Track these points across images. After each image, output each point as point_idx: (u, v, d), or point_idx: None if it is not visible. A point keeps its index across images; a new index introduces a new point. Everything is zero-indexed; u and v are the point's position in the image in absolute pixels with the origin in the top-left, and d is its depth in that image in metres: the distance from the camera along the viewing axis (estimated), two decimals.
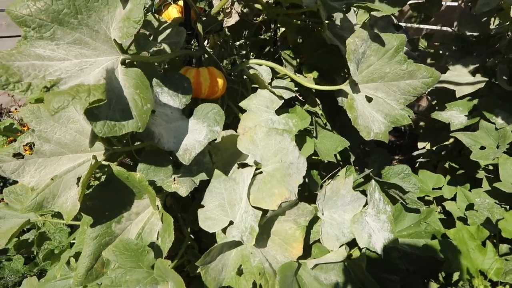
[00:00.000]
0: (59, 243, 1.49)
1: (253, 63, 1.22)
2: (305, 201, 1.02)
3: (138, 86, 0.77)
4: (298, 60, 1.44)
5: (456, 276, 1.29)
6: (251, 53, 1.47)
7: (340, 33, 1.20)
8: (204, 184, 1.00)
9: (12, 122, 1.31)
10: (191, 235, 1.18)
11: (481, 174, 2.00)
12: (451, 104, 2.05)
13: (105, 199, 0.96)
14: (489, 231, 1.40)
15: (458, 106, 2.04)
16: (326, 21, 1.14)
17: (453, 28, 2.92)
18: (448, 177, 2.08)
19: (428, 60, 2.79)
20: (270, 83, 1.25)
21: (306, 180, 1.27)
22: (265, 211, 0.95)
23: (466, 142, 1.81)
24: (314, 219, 1.06)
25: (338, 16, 1.39)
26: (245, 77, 1.30)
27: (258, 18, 1.34)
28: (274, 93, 1.22)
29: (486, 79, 1.98)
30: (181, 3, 1.27)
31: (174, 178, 0.96)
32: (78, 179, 0.93)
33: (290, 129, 1.15)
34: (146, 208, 1.02)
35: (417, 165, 2.58)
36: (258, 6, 1.26)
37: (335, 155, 1.31)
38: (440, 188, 2.04)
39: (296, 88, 1.30)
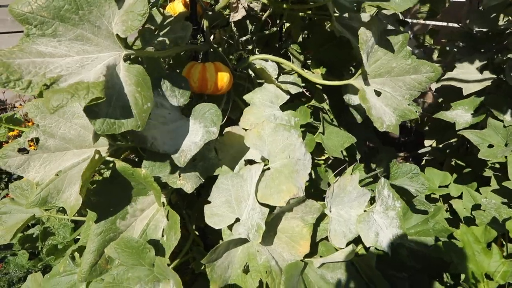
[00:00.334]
0: (63, 238, 1.48)
1: (259, 58, 1.20)
2: (312, 198, 1.01)
3: (139, 83, 0.76)
4: (303, 55, 1.42)
5: (463, 277, 1.27)
6: (257, 49, 1.45)
7: (350, 24, 1.18)
8: (209, 181, 0.99)
9: (14, 113, 1.30)
10: (196, 232, 1.18)
11: (488, 172, 1.98)
12: (456, 103, 2.02)
13: (110, 195, 0.95)
14: (497, 231, 1.38)
15: (463, 105, 2.01)
16: (336, 14, 1.12)
17: (460, 24, 2.88)
18: (455, 175, 2.06)
19: (434, 57, 2.76)
20: (276, 79, 1.24)
21: (313, 176, 1.26)
22: (272, 208, 0.94)
23: (474, 140, 1.78)
24: (321, 217, 1.05)
25: None
26: (251, 72, 1.28)
27: (264, 13, 1.32)
28: (280, 88, 1.21)
29: (494, 76, 1.96)
30: None
31: (180, 175, 0.95)
32: None
33: (296, 126, 1.14)
34: (151, 204, 1.01)
35: (423, 162, 2.56)
36: (264, 0, 1.24)
37: (341, 151, 1.30)
38: (446, 186, 2.03)
39: (303, 84, 1.28)
